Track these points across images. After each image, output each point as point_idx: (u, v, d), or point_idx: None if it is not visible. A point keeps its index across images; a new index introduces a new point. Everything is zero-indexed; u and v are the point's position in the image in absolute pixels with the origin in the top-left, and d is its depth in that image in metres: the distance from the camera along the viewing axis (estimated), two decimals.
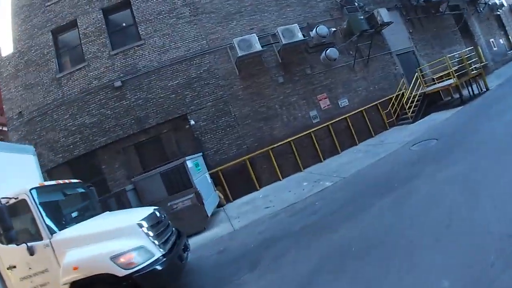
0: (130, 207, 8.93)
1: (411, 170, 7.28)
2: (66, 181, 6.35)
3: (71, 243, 4.77)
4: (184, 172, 9.03)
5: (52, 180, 13.10)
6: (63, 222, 5.38)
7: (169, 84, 12.14)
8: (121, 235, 4.80)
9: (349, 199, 7.12)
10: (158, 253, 4.87)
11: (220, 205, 11.04)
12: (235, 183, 11.60)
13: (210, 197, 10.06)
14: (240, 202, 10.85)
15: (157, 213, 5.71)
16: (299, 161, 12.16)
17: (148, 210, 5.67)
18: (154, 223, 5.35)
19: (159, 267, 4.67)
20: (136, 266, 4.52)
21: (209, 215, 9.17)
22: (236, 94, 12.18)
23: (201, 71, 12.19)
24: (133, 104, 12.28)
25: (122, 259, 4.49)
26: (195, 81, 12.12)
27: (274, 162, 11.82)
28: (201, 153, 11.06)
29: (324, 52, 13.05)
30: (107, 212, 6.75)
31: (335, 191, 8.21)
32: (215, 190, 10.88)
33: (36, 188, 5.18)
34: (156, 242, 5.01)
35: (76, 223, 5.50)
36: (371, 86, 14.35)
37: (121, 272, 4.43)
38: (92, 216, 6.07)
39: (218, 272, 5.87)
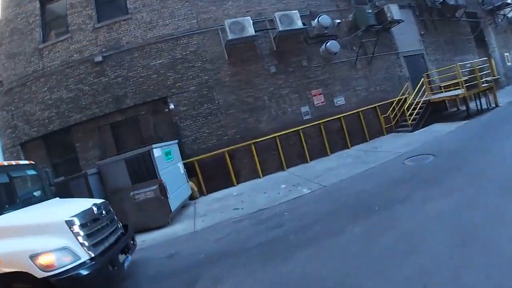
0: (91, 193, 7.93)
1: (397, 192, 5.99)
2: (13, 162, 5.59)
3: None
4: (149, 161, 7.98)
5: (25, 155, 12.08)
6: (1, 207, 4.74)
7: (152, 64, 10.91)
8: (48, 231, 4.18)
9: (321, 216, 5.88)
10: (85, 256, 4.20)
11: (193, 197, 9.99)
12: (212, 176, 10.45)
13: (180, 189, 9.00)
14: (213, 197, 9.76)
15: (95, 209, 4.86)
16: (283, 160, 10.88)
17: (86, 205, 4.87)
18: (89, 220, 4.60)
19: (83, 272, 4.03)
20: (56, 269, 3.90)
21: (173, 210, 8.08)
22: (223, 80, 10.87)
23: (188, 52, 10.91)
24: (112, 82, 11.08)
25: (40, 260, 3.89)
26: (179, 62, 10.86)
27: (256, 158, 10.59)
28: (176, 141, 9.87)
29: (325, 44, 11.63)
30: (57, 198, 5.90)
31: (310, 202, 6.97)
32: (187, 182, 9.78)
33: None
34: (86, 243, 4.31)
35: (16, 209, 4.85)
36: (372, 86, 12.88)
37: (39, 274, 3.86)
38: (40, 201, 5.47)
39: (154, 284, 4.88)
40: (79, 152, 11.53)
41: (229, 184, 10.38)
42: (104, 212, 5.02)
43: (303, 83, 11.65)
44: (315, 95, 11.72)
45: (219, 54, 11.00)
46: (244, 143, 10.49)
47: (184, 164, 9.91)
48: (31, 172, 5.85)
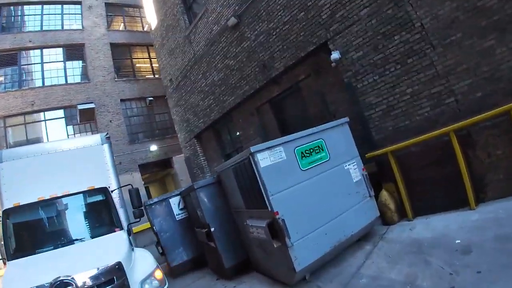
0: (201, 212, 5.33)
1: None
2: (64, 193, 4.76)
3: None
4: (252, 176, 4.14)
5: (202, 148, 10.66)
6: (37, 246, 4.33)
7: None
8: None
9: None
10: None
11: (387, 220, 5.12)
12: (423, 180, 4.96)
13: (340, 218, 4.38)
14: (416, 233, 4.51)
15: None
16: None
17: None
18: None
19: None
20: None
21: (300, 267, 3.88)
22: None
23: None
24: (254, 44, 7.55)
25: None
26: None
27: None
28: (344, 120, 5.05)
29: None
30: (117, 234, 4.67)
31: None
32: (370, 195, 4.82)
33: (7, 209, 4.52)
34: None
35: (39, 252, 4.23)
36: None
37: None
38: (95, 235, 4.58)
39: None
40: (243, 141, 8.94)
41: (459, 202, 4.49)
42: None
43: None
44: None
45: None
46: (493, 111, 4.05)
47: (369, 159, 5.18)
48: (95, 198, 4.94)
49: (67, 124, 13.93)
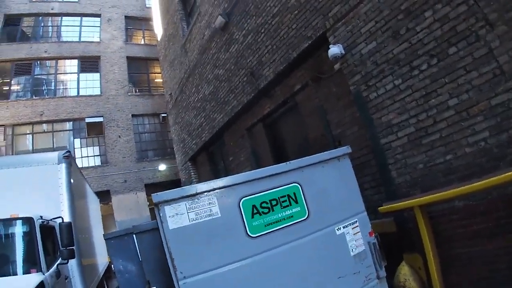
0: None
1: None
2: None
3: None
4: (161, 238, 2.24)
5: (197, 173, 8.91)
6: None
7: None
8: None
9: None
10: None
11: None
12: (471, 259, 2.64)
13: None
14: None
15: None
16: None
17: None
18: None
19: None
20: None
21: None
22: None
23: None
24: (242, 47, 5.81)
25: None
26: None
27: None
28: (344, 151, 2.83)
29: None
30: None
31: None
32: (378, 277, 2.56)
33: None
34: None
35: None
36: None
37: None
38: None
39: None
40: (235, 169, 6.96)
41: None
42: None
43: None
44: None
45: None
46: None
47: (385, 214, 2.99)
48: (18, 229, 3.78)
49: (74, 137, 13.06)
